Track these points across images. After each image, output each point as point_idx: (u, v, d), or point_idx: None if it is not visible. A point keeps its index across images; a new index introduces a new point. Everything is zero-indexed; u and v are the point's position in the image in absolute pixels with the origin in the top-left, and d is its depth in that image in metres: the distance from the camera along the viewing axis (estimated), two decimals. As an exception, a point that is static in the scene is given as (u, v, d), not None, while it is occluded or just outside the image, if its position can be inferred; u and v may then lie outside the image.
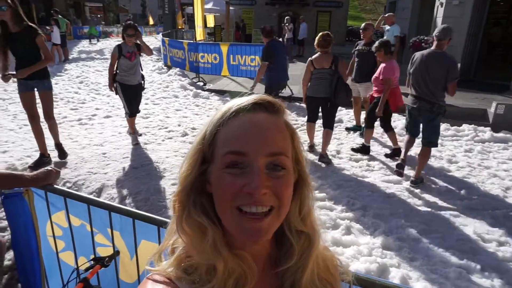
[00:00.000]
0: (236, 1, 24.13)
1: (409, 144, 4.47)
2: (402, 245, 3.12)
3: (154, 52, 16.47)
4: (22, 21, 3.92)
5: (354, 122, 6.53)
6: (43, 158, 4.48)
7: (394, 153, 5.12)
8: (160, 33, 17.80)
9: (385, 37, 7.39)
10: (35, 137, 4.43)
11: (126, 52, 4.98)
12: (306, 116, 5.25)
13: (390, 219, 3.52)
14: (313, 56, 4.80)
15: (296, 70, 11.68)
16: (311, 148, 5.44)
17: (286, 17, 16.06)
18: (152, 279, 0.60)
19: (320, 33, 4.78)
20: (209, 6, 18.80)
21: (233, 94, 8.70)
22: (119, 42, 5.11)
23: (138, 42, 5.10)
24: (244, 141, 0.55)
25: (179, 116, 7.07)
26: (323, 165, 4.84)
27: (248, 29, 22.47)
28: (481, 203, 3.89)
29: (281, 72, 6.17)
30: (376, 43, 4.93)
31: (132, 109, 5.24)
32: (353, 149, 5.37)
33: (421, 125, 4.34)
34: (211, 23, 19.75)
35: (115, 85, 5.11)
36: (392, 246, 3.10)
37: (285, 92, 8.54)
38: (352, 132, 6.33)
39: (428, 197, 4.02)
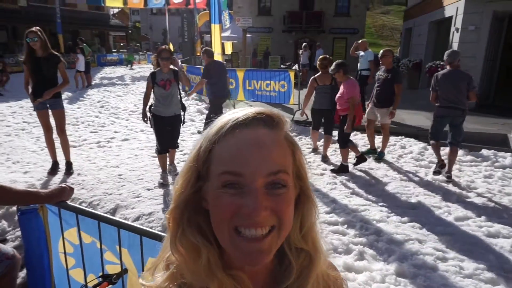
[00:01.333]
0: (254, 29, 24.79)
1: (438, 148, 5.24)
2: (417, 272, 3.02)
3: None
4: (48, 48, 4.59)
5: (369, 146, 6.47)
6: (55, 165, 5.08)
7: (340, 169, 5.42)
8: (179, 60, 18.37)
9: (359, 63, 8.43)
10: (48, 146, 5.06)
11: (160, 80, 4.54)
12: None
13: (404, 245, 3.43)
14: (316, 75, 5.85)
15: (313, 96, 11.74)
16: (315, 151, 6.48)
17: (303, 44, 16.36)
18: None
19: (320, 57, 5.85)
20: (227, 34, 19.35)
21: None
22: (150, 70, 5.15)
23: (175, 68, 4.75)
24: (241, 161, 0.52)
25: (193, 140, 7.17)
26: (336, 188, 4.80)
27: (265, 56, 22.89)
28: (502, 231, 3.74)
29: (222, 88, 6.83)
30: (333, 65, 5.35)
31: (163, 144, 4.76)
32: (332, 170, 5.50)
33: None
34: (229, 50, 20.28)
35: (148, 115, 4.68)
36: (406, 273, 3.00)
37: (300, 116, 8.60)
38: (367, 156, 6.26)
39: (445, 223, 3.91)
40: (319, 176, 5.28)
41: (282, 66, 17.21)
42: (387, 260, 3.20)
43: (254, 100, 10.00)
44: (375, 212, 4.10)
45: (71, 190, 1.82)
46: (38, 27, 4.52)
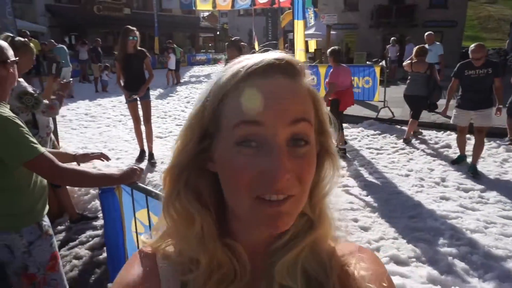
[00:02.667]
0: (339, 26, 24.04)
1: None
2: (522, 295, 2.53)
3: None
4: (137, 46, 5.00)
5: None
6: (142, 153, 5.49)
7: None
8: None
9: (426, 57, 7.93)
10: (136, 136, 5.48)
11: None
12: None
13: (507, 262, 2.91)
14: (412, 61, 6.04)
15: (399, 93, 10.93)
16: (407, 142, 6.32)
17: (392, 38, 15.34)
18: (140, 252, 0.56)
19: (417, 46, 6.03)
20: (311, 31, 19.08)
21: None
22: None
23: None
24: (260, 108, 0.44)
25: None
26: (422, 191, 4.32)
27: (350, 53, 22.08)
28: None
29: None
30: (328, 51, 5.80)
31: None
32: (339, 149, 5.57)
33: None
34: (312, 47, 19.98)
35: None
36: (508, 295, 2.54)
37: (386, 114, 8.04)
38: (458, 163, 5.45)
39: None
40: (403, 177, 4.82)
41: (368, 62, 16.38)
42: (483, 277, 2.74)
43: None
44: (469, 221, 3.58)
45: (140, 171, 1.88)
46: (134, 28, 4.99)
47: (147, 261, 0.54)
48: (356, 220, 3.65)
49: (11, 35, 2.77)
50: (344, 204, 4.00)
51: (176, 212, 0.51)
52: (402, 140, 6.37)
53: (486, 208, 3.89)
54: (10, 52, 1.66)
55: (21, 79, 2.76)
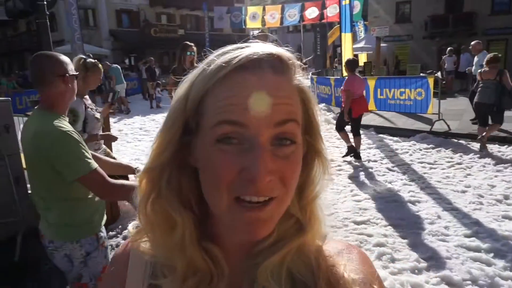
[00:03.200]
0: (390, 38, 23.37)
1: None
2: None
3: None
4: (194, 62, 5.13)
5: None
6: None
7: (349, 152, 6.12)
8: (310, 72, 18.67)
9: (473, 67, 8.11)
10: None
11: None
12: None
13: None
14: (482, 69, 6.16)
15: (456, 105, 10.33)
16: (482, 149, 6.11)
17: (448, 49, 14.57)
18: (124, 246, 0.57)
19: (489, 54, 6.16)
20: (361, 45, 18.75)
21: (378, 129, 8.27)
22: None
23: None
24: (244, 108, 0.41)
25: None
26: (482, 208, 3.98)
27: (402, 65, 21.29)
28: None
29: None
30: (345, 60, 6.35)
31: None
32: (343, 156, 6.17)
33: None
34: (362, 61, 19.58)
35: None
36: None
37: (441, 127, 7.60)
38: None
39: None
40: (459, 193, 4.49)
41: (421, 74, 15.68)
42: (552, 305, 2.44)
43: (386, 110, 9.31)
44: (536, 243, 3.23)
45: None
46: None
47: (122, 257, 0.55)
48: (404, 237, 3.44)
49: (84, 56, 3.07)
50: (391, 219, 3.81)
51: (154, 214, 0.49)
52: (478, 148, 6.21)
53: (557, 228, 3.48)
54: (70, 67, 1.73)
55: (86, 96, 3.01)
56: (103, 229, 1.79)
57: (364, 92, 6.66)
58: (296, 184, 0.46)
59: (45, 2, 3.98)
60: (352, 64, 6.09)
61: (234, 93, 0.42)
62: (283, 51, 0.47)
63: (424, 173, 5.33)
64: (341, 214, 4.01)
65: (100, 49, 22.18)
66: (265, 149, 0.41)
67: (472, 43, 8.28)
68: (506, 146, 6.36)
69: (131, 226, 0.54)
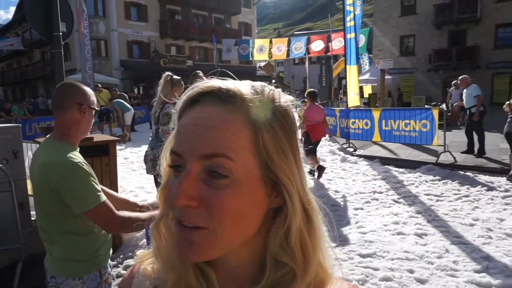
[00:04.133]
0: (395, 70, 23.75)
1: None
2: None
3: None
4: None
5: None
6: None
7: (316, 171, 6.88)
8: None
9: (464, 99, 8.48)
10: None
11: None
12: None
13: None
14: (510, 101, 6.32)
15: (461, 137, 10.30)
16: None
17: (454, 82, 14.69)
18: (131, 269, 0.60)
19: None
20: (365, 77, 19.04)
21: (384, 160, 8.25)
22: None
23: None
24: (180, 140, 0.46)
25: (323, 179, 7.01)
26: (491, 243, 3.88)
27: (406, 97, 21.49)
28: None
29: None
30: (306, 92, 7.28)
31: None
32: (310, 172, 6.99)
33: None
34: (367, 92, 19.82)
35: None
36: None
37: (447, 159, 7.55)
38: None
39: None
40: (468, 226, 4.39)
41: (426, 106, 15.77)
42: None
43: (391, 141, 9.32)
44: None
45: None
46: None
47: (127, 280, 0.58)
48: (411, 271, 3.35)
49: (170, 73, 3.49)
50: (398, 253, 3.72)
51: (159, 233, 0.53)
52: (505, 178, 6.24)
53: None
54: (92, 99, 1.71)
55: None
56: (108, 263, 1.73)
57: (332, 119, 7.91)
58: (235, 220, 0.44)
59: (60, 33, 4.14)
60: (313, 95, 7.14)
61: (180, 125, 0.48)
62: (231, 84, 0.47)
63: (431, 205, 5.25)
64: (346, 246, 3.93)
65: (110, 78, 22.74)
66: (190, 176, 0.44)
67: (460, 77, 8.71)
68: (514, 179, 6.28)
69: (140, 252, 0.58)
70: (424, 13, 24.28)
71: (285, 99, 0.50)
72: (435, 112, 8.08)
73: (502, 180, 6.25)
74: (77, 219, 1.55)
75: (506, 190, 5.69)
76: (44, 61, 27.97)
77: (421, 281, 3.18)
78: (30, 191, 2.52)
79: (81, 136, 1.71)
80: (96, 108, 1.77)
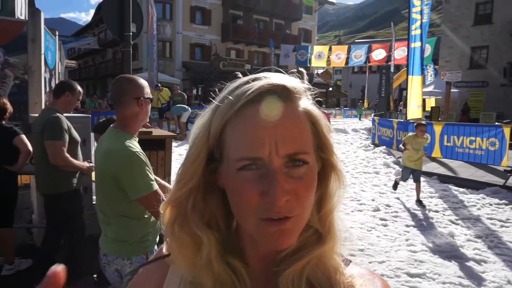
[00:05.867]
0: (463, 83, 22.20)
1: None
2: None
3: (364, 131, 16.85)
4: None
5: None
6: None
7: None
8: (373, 114, 18.26)
9: None
10: None
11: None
12: None
13: None
14: None
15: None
16: None
17: None
18: (157, 259, 0.61)
19: None
20: (429, 89, 18.05)
21: (442, 178, 7.73)
22: None
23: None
24: (257, 144, 0.47)
25: (375, 192, 6.77)
26: None
27: (475, 113, 19.99)
28: None
29: None
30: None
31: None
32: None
33: None
34: (430, 105, 18.74)
35: None
36: None
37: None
38: None
39: None
40: (535, 258, 3.98)
41: (497, 123, 14.56)
42: None
43: (453, 158, 8.71)
44: None
45: None
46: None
47: (157, 271, 0.60)
48: (465, 298, 3.11)
49: (240, 74, 3.46)
50: (451, 277, 3.47)
51: (181, 237, 0.53)
52: None
53: None
54: (146, 90, 1.84)
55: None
56: (155, 249, 1.82)
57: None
58: (312, 201, 0.49)
59: (131, 33, 4.46)
60: (318, 102, 7.15)
61: (248, 127, 0.48)
62: (289, 80, 0.50)
63: (494, 230, 4.83)
64: (394, 263, 3.75)
65: (172, 78, 23.90)
66: (279, 173, 0.46)
67: None
68: None
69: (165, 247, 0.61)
70: (501, 23, 22.39)
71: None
72: (507, 130, 7.44)
73: None
74: (131, 203, 1.66)
75: None
76: (115, 59, 30.20)
77: (475, 310, 2.95)
78: (93, 178, 2.74)
79: (140, 125, 1.85)
80: (151, 97, 1.88)
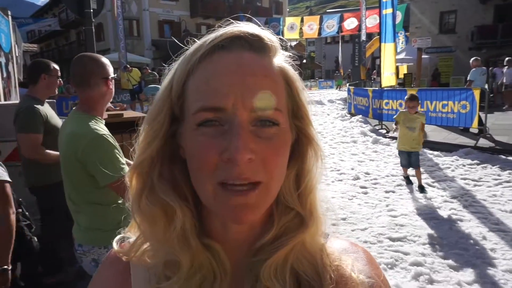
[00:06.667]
0: (433, 49, 22.57)
1: None
2: None
3: (340, 101, 16.97)
4: None
5: None
6: None
7: None
8: (348, 84, 18.40)
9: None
10: None
11: None
12: None
13: None
14: None
15: (504, 120, 9.78)
16: None
17: (507, 59, 13.46)
18: (112, 258, 0.53)
19: None
20: (401, 56, 18.26)
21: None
22: None
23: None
24: (220, 92, 0.40)
25: (354, 161, 6.86)
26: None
27: (445, 78, 20.47)
28: None
29: None
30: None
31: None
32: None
33: None
34: (402, 73, 19.02)
35: None
36: None
37: (485, 143, 7.15)
38: None
39: None
40: (508, 213, 4.15)
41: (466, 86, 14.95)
42: None
43: (427, 123, 8.91)
44: None
45: None
46: None
47: (119, 270, 0.51)
48: (444, 257, 3.21)
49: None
50: (431, 238, 3.58)
51: (149, 209, 0.45)
52: None
53: None
54: (111, 69, 1.75)
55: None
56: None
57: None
58: (282, 170, 0.44)
59: (91, 10, 4.18)
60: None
61: (212, 74, 0.41)
62: (264, 32, 0.45)
63: (468, 190, 5.00)
64: (376, 229, 3.83)
65: (142, 58, 23.11)
66: (244, 128, 0.40)
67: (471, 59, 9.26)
68: (562, 165, 5.86)
69: (115, 242, 0.53)
70: (468, -13, 22.69)
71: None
72: (476, 93, 7.61)
73: (548, 165, 5.85)
74: (102, 190, 1.56)
75: (552, 177, 5.31)
76: (79, 41, 28.79)
77: (455, 268, 3.05)
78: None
79: (106, 106, 1.75)
80: (116, 76, 1.79)
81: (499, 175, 5.54)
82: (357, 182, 5.54)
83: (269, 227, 0.46)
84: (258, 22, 0.49)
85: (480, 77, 9.37)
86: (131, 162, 1.62)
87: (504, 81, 12.87)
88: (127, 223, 1.72)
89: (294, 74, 0.46)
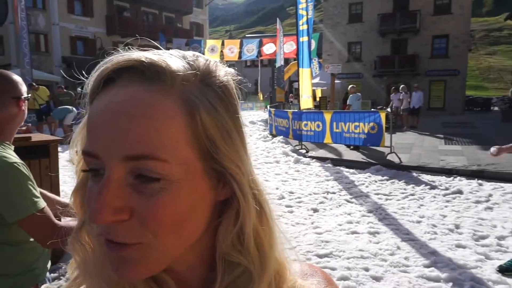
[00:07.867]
0: (343, 75, 24.75)
1: None
2: None
3: (261, 123, 17.47)
4: None
5: None
6: None
7: None
8: (268, 106, 19.09)
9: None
10: None
11: None
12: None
13: (535, 317, 2.65)
14: None
15: (405, 139, 10.99)
16: None
17: (401, 86, 15.50)
18: None
19: None
20: (316, 80, 19.62)
21: (335, 161, 8.49)
22: None
23: None
24: (95, 135, 0.35)
25: (278, 180, 7.04)
26: (436, 238, 4.09)
27: (355, 101, 22.48)
28: None
29: None
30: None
31: None
32: None
33: None
34: (318, 96, 20.43)
35: None
36: None
37: (393, 160, 7.94)
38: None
39: None
40: (415, 223, 4.61)
41: (373, 109, 16.60)
42: (511, 334, 2.48)
43: (342, 143, 9.63)
44: (490, 271, 3.34)
45: None
46: None
47: None
48: (367, 269, 3.42)
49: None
50: (353, 251, 3.79)
51: (82, 244, 0.41)
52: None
53: (506, 257, 3.64)
54: (24, 88, 1.55)
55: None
56: (48, 277, 1.54)
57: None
58: (176, 230, 0.36)
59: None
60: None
61: (92, 116, 0.37)
62: (157, 56, 0.37)
63: (381, 204, 5.46)
64: (304, 247, 3.93)
65: (50, 76, 21.21)
66: (113, 182, 0.34)
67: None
68: (452, 177, 6.75)
69: (70, 269, 0.45)
70: (370, 22, 25.61)
71: (224, 71, 0.42)
72: (383, 115, 8.48)
73: (442, 179, 6.70)
74: (9, 228, 1.33)
75: (446, 189, 6.08)
76: (-27, 54, 25.45)
77: (377, 279, 3.26)
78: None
79: (16, 129, 1.52)
80: (29, 96, 1.58)
81: (405, 189, 6.17)
82: (282, 201, 5.68)
83: (212, 278, 0.41)
84: (173, 44, 0.43)
85: (356, 102, 10.78)
86: (48, 193, 1.39)
87: (402, 105, 14.66)
88: (40, 264, 1.48)
89: (206, 106, 0.37)
